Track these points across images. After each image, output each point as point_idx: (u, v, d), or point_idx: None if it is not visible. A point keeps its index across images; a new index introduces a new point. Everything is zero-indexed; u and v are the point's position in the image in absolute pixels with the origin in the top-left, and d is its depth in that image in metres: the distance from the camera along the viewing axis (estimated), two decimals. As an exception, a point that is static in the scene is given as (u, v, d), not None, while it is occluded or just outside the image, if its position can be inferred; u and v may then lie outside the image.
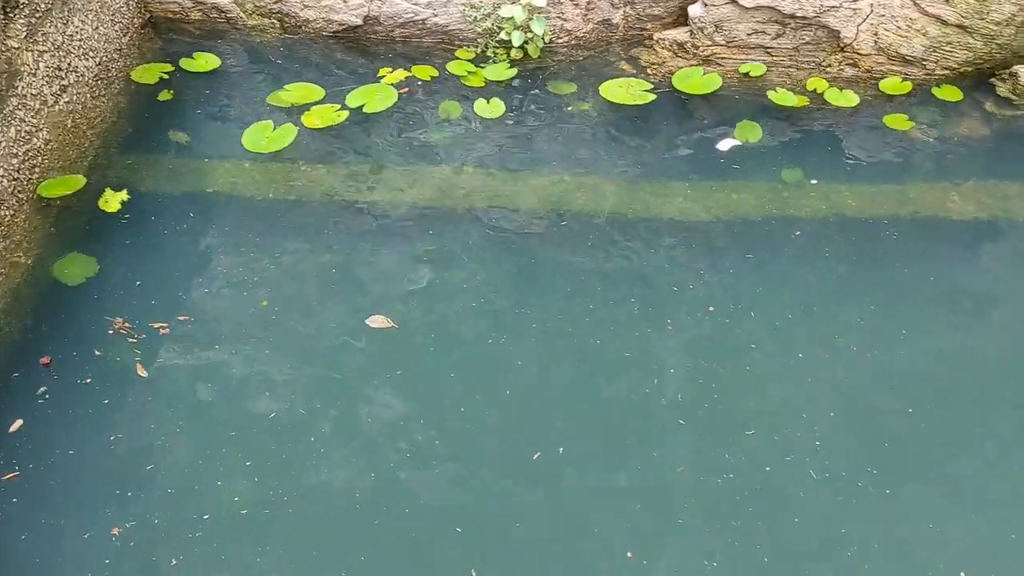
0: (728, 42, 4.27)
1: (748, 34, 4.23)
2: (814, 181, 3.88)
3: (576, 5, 4.35)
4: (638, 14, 4.43)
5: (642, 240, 3.62)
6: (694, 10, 4.24)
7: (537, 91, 4.30)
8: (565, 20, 4.40)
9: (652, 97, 4.21)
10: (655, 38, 4.44)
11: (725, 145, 4.03)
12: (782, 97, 4.22)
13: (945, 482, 2.86)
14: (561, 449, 2.89)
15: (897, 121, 4.15)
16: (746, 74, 4.30)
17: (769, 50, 4.28)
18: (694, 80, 4.30)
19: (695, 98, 4.26)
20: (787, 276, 3.49)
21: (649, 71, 4.42)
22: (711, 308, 3.34)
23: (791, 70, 4.34)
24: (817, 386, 3.10)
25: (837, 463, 2.87)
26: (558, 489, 2.79)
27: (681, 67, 4.37)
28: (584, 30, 4.44)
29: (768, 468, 2.86)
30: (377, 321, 3.19)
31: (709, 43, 4.29)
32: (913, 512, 2.77)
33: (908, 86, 4.30)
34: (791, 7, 4.08)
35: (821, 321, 3.32)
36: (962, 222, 3.76)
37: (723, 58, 4.33)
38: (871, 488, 2.81)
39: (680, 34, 4.35)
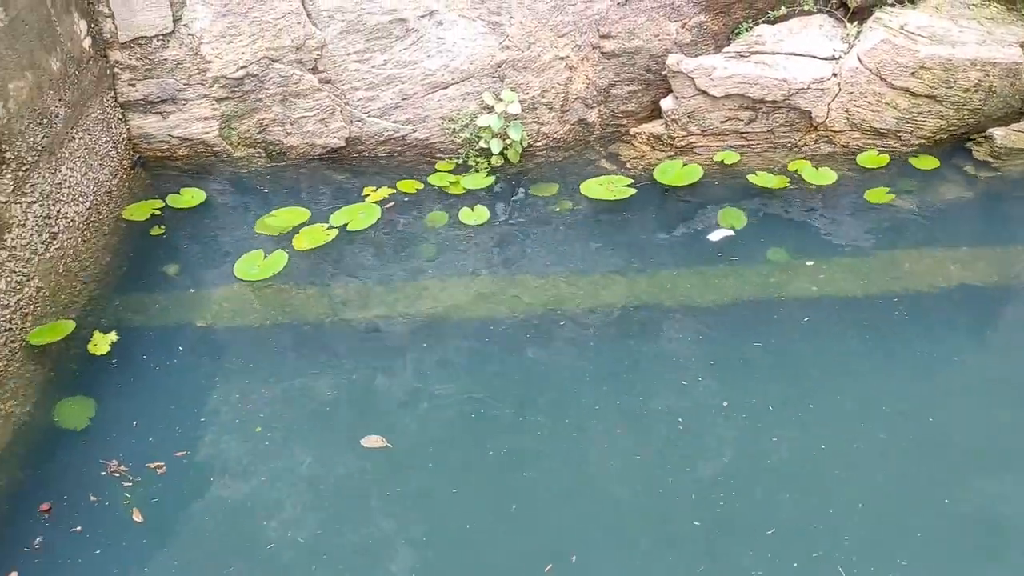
0: (703, 131, 4.35)
1: (722, 122, 4.31)
2: (809, 262, 3.87)
3: (551, 108, 4.45)
4: (613, 111, 4.53)
5: (644, 335, 3.59)
6: (666, 103, 4.33)
7: (520, 195, 4.36)
8: (542, 124, 4.50)
9: (633, 192, 4.27)
10: (632, 133, 4.53)
11: (716, 236, 4.04)
12: (762, 179, 4.27)
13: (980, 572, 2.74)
14: (574, 558, 2.79)
15: (878, 194, 4.18)
16: (721, 162, 4.36)
17: (744, 135, 4.36)
18: (675, 172, 4.35)
19: (677, 188, 4.31)
20: (800, 362, 3.43)
21: (629, 165, 4.49)
22: (725, 403, 3.27)
23: (768, 152, 4.40)
24: (843, 478, 2.99)
25: (867, 559, 2.74)
26: (571, 602, 2.69)
27: (660, 159, 4.44)
28: (561, 132, 4.54)
29: (795, 565, 2.74)
30: (371, 441, 3.13)
31: (684, 133, 4.37)
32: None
33: (885, 159, 4.34)
34: (759, 93, 4.17)
35: (843, 409, 3.23)
36: (962, 289, 3.73)
37: (700, 146, 4.40)
38: (902, 581, 2.69)
39: (656, 127, 4.44)
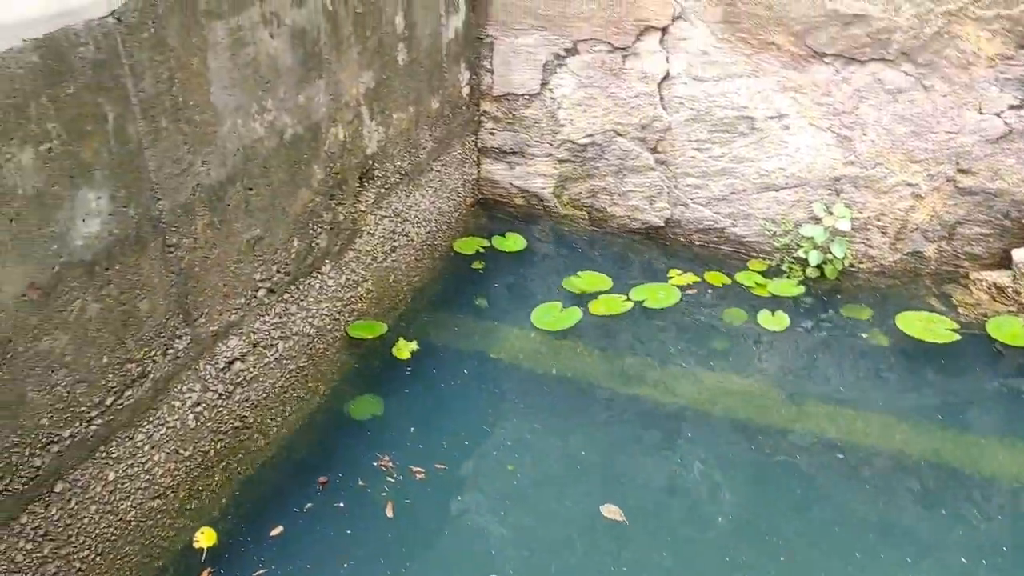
0: (1058, 293, 3.87)
1: (1084, 288, 3.81)
2: None
3: (884, 233, 4.22)
4: (954, 250, 4.19)
5: (934, 497, 3.24)
6: (1019, 255, 3.92)
7: (828, 312, 4.16)
8: (870, 246, 4.28)
9: (957, 338, 3.89)
10: (971, 277, 4.15)
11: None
12: (1122, 362, 3.69)
13: None
14: None
15: None
16: (1076, 330, 3.85)
17: (1110, 308, 3.81)
18: (1013, 329, 3.91)
19: (1012, 348, 3.86)
20: None
21: (960, 310, 4.11)
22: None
23: None
24: None
25: None
26: None
27: (998, 312, 4.01)
28: (890, 259, 4.28)
29: None
30: (611, 511, 3.15)
31: (1035, 291, 3.92)
32: None
33: None
34: None
35: None
36: None
37: (1051, 309, 3.92)
38: None
39: (1001, 277, 4.02)
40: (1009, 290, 3.99)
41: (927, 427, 3.55)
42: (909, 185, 4.10)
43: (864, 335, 4.02)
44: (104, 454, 2.65)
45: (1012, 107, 3.81)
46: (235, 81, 2.86)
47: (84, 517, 2.61)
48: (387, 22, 3.73)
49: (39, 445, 2.40)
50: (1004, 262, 4.07)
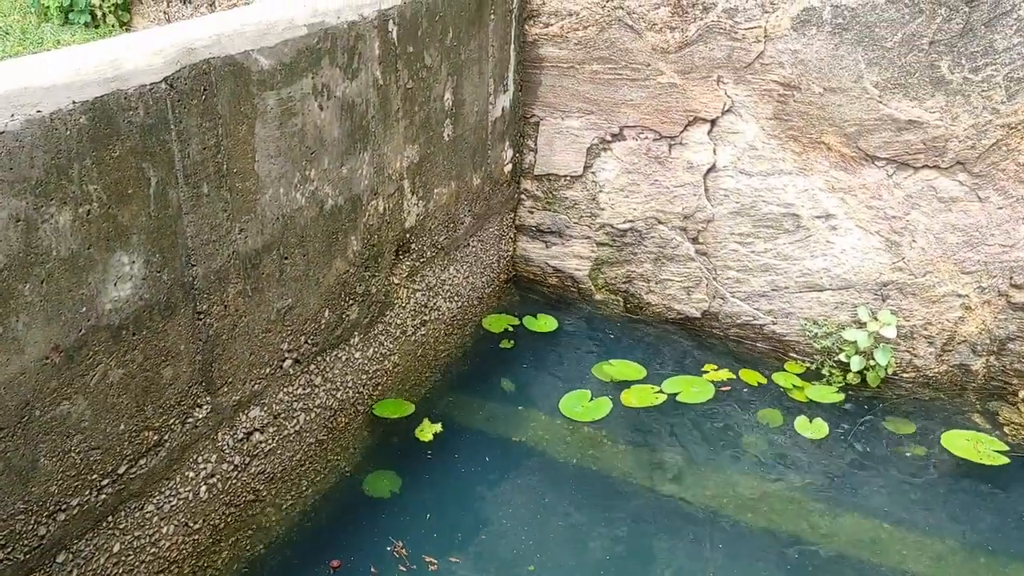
0: (1115, 420, 3.69)
1: None
2: None
3: (931, 344, 4.08)
4: (1003, 366, 4.03)
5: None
6: (1074, 376, 3.76)
7: (868, 421, 4.00)
8: (915, 356, 4.13)
9: (1005, 461, 3.70)
10: (1020, 396, 3.98)
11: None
12: None
13: None
14: None
15: None
16: None
17: None
18: (1064, 453, 3.73)
19: (1062, 474, 3.68)
20: None
21: (1007, 430, 3.93)
22: None
23: None
24: None
25: None
26: None
27: (1049, 434, 3.84)
28: (936, 370, 4.12)
29: None
30: (634, 626, 2.98)
31: (1089, 416, 3.74)
32: None
33: None
34: None
35: None
36: None
37: (1106, 437, 3.74)
38: None
39: (1053, 398, 3.86)
40: (1061, 413, 3.82)
41: (968, 552, 3.35)
42: (959, 296, 3.97)
43: (907, 451, 3.84)
44: (111, 524, 2.55)
45: (1070, 224, 3.71)
46: (281, 150, 2.83)
47: (83, 590, 2.49)
48: (436, 98, 3.72)
49: (46, 513, 2.30)
50: (1056, 383, 3.91)
